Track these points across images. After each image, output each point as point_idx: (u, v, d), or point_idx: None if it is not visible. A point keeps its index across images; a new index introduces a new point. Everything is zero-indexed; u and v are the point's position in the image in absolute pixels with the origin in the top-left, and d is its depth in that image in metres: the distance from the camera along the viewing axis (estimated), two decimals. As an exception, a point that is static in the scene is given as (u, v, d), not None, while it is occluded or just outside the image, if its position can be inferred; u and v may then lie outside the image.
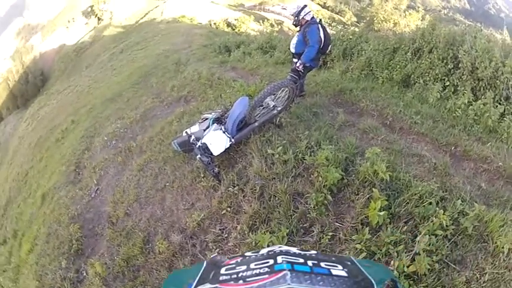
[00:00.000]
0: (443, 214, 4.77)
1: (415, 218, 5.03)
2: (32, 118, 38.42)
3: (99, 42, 69.62)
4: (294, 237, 5.28)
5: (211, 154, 6.78)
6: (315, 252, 1.39)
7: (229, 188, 6.51)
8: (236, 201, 6.30)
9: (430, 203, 5.12)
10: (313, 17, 8.28)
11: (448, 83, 9.75)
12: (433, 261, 4.42)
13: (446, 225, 4.72)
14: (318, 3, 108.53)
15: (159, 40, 38.71)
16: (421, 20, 18.28)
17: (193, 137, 7.25)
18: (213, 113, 7.69)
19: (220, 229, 6.13)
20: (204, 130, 7.27)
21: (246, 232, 5.63)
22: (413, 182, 5.55)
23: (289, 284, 1.08)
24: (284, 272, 1.14)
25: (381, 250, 4.63)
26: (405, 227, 4.93)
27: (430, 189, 5.33)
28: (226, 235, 5.99)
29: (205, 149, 6.75)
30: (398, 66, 10.87)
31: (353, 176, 5.83)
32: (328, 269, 1.20)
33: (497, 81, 9.16)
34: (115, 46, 52.73)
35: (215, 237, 6.02)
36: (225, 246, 5.84)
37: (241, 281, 1.16)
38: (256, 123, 7.36)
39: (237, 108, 7.17)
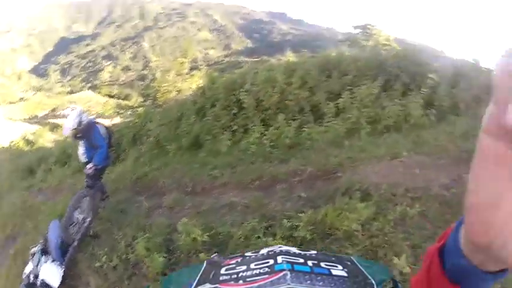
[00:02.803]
0: (274, 240, 5.09)
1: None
2: None
3: None
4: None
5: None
6: (315, 252, 1.50)
7: None
8: None
9: (258, 237, 5.45)
10: (85, 116, 7.82)
11: (236, 127, 10.17)
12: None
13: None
14: (106, 94, 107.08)
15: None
16: (205, 77, 18.57)
17: (31, 277, 6.81)
18: (38, 246, 7.29)
19: None
20: (37, 266, 6.85)
21: None
22: (232, 228, 5.87)
23: (289, 284, 1.16)
24: (284, 272, 1.23)
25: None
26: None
27: (251, 227, 5.68)
28: None
29: (46, 285, 6.45)
30: (185, 132, 11.02)
31: (178, 252, 5.98)
32: (328, 269, 1.30)
33: (286, 101, 9.90)
34: None
35: None
36: None
37: (241, 281, 1.24)
38: (76, 242, 7.22)
39: (51, 234, 6.97)
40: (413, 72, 10.66)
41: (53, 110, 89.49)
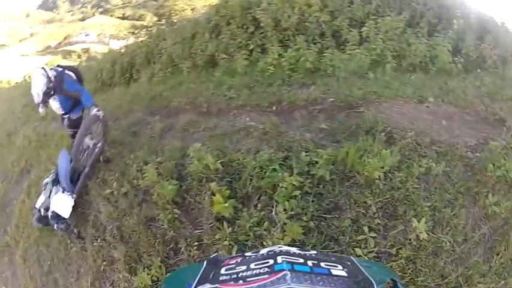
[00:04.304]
0: (291, 176, 4.81)
1: (266, 191, 5.04)
2: None
3: None
4: (168, 263, 5.16)
5: (64, 218, 6.47)
6: (314, 252, 1.49)
7: (94, 243, 6.23)
8: (106, 252, 6.03)
9: (275, 169, 5.13)
10: (52, 71, 6.79)
11: (252, 46, 9.61)
12: (306, 221, 4.48)
13: (301, 183, 4.78)
14: (117, 17, 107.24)
15: (-16, 115, 36.14)
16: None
17: (42, 210, 6.91)
18: (50, 175, 7.27)
19: (110, 285, 5.83)
20: (49, 197, 6.87)
21: (129, 278, 5.41)
22: (248, 157, 5.57)
23: (289, 284, 1.14)
24: (284, 272, 1.21)
25: (249, 236, 4.61)
26: (260, 204, 4.95)
27: (267, 157, 5.37)
28: (118, 288, 5.80)
29: (57, 216, 6.44)
30: (199, 50, 10.55)
31: (188, 179, 5.77)
32: (328, 269, 1.29)
33: (306, 23, 9.25)
34: None
35: (112, 295, 5.79)
36: (125, 298, 5.66)
37: (241, 281, 1.24)
38: (87, 169, 7.07)
39: (61, 164, 6.90)
40: (438, 13, 10.09)
41: (65, 38, 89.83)
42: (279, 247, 1.48)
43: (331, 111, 6.72)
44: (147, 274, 4.97)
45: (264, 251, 1.49)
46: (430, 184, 4.94)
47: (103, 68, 15.45)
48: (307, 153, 5.27)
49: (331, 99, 6.91)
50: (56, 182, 6.97)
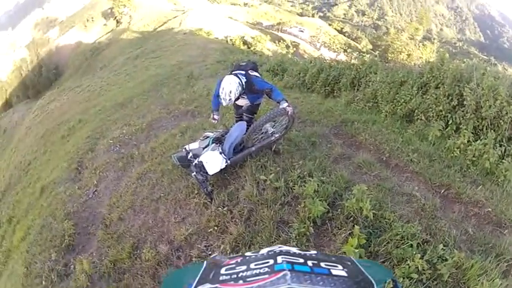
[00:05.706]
0: (421, 258, 4.78)
1: (393, 258, 5.03)
2: (41, 110, 37.75)
3: (116, 45, 69.40)
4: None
5: (207, 173, 6.84)
6: (315, 252, 1.47)
7: (219, 208, 6.59)
8: (224, 221, 6.35)
9: (411, 245, 5.10)
10: (243, 77, 7.20)
11: (450, 121, 9.28)
12: (404, 304, 4.42)
13: (423, 269, 4.72)
14: (335, 29, 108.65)
15: (175, 51, 38.54)
16: (436, 52, 17.65)
17: (191, 154, 7.40)
18: (214, 132, 7.77)
19: (205, 246, 6.18)
20: (203, 148, 7.35)
21: (228, 252, 5.67)
22: (397, 222, 5.55)
23: (289, 284, 1.16)
24: (284, 272, 1.22)
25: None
26: (381, 267, 4.95)
27: (413, 231, 5.31)
28: (210, 252, 6.03)
29: (201, 167, 6.83)
30: (403, 100, 10.46)
31: (338, 210, 5.86)
32: (328, 269, 1.28)
33: (501, 121, 8.65)
34: (131, 51, 52.60)
35: (199, 252, 6.08)
36: (208, 263, 5.87)
37: (241, 281, 1.24)
38: (254, 148, 7.39)
39: (234, 131, 7.23)
40: None
41: (279, 23, 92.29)
42: (279, 247, 1.49)
43: (482, 220, 6.39)
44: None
45: (264, 251, 1.50)
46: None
47: (307, 69, 16.04)
48: (444, 248, 5.15)
49: (488, 210, 6.53)
50: (217, 140, 7.43)
